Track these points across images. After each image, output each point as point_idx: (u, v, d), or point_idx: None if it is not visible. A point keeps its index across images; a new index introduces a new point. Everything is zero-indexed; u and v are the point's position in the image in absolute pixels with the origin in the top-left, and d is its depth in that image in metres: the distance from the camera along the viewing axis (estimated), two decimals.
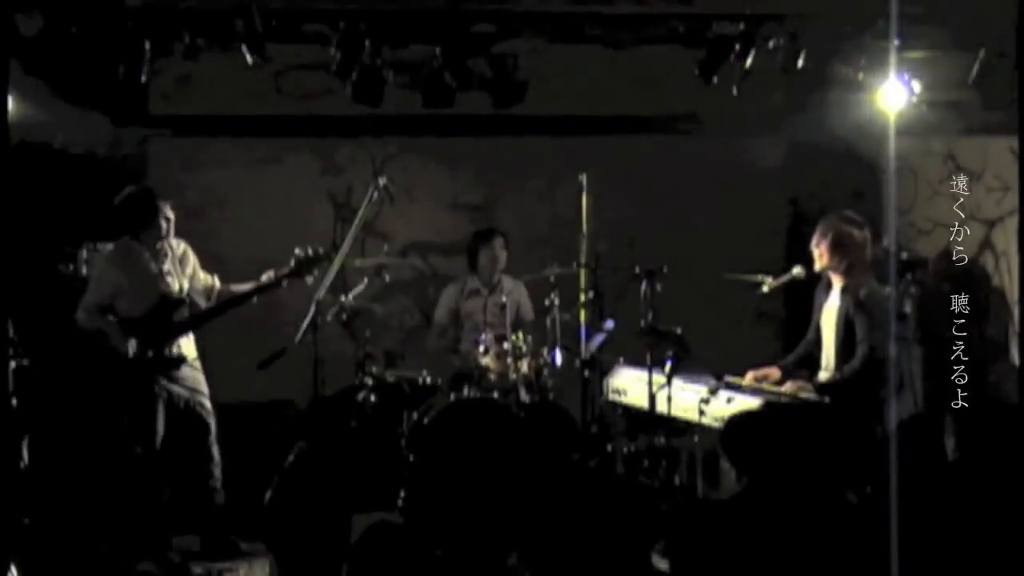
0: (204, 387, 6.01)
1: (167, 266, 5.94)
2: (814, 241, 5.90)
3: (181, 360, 5.91)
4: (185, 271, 6.02)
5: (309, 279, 6.08)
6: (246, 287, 6.06)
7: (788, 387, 5.83)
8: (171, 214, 5.94)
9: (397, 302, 8.04)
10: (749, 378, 6.03)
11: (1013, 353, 6.70)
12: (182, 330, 5.93)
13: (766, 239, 7.75)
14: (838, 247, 5.81)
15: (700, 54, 6.45)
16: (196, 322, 5.99)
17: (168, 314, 5.88)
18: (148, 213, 5.87)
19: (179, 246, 6.06)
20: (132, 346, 5.77)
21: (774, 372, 6.07)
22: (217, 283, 6.15)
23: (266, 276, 6.03)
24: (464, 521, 5.48)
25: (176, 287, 5.93)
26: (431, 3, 6.44)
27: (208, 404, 6.01)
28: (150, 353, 5.81)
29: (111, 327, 5.79)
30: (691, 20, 6.51)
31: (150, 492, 5.90)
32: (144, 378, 5.81)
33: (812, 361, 6.10)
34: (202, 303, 6.05)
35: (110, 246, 6.05)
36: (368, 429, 6.45)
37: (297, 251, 6.03)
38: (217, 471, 5.99)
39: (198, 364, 6.03)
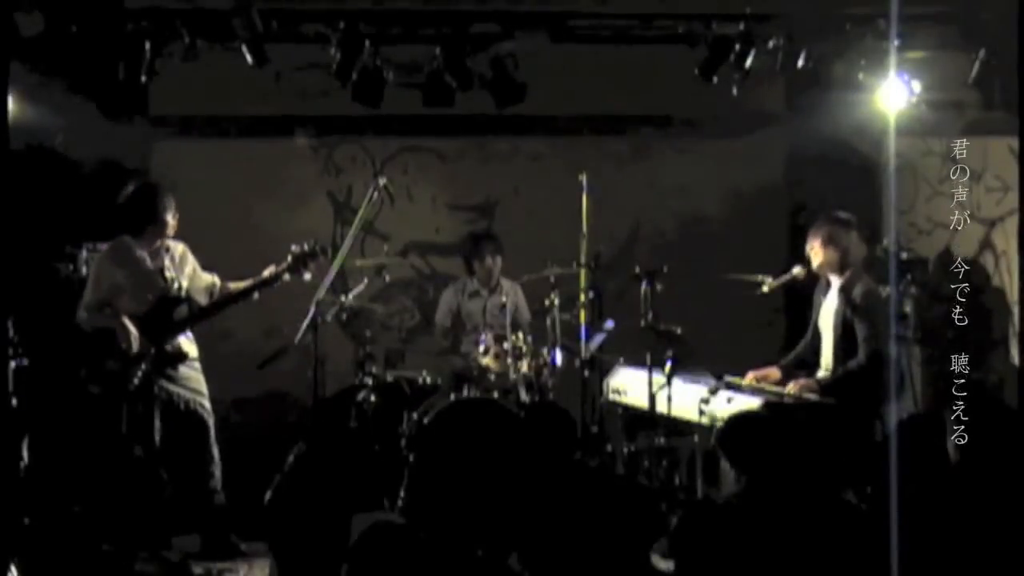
0: (204, 388, 6.03)
1: (166, 264, 5.96)
2: (808, 242, 5.98)
3: (183, 356, 5.93)
4: (184, 271, 6.05)
5: (307, 275, 6.12)
6: (245, 284, 6.10)
7: (792, 387, 5.83)
8: (175, 211, 5.97)
9: (397, 302, 8.04)
10: (749, 378, 6.04)
11: (1013, 353, 6.69)
12: (183, 327, 5.96)
13: (766, 239, 7.75)
14: (830, 245, 5.90)
15: (700, 54, 6.45)
16: (197, 318, 6.02)
17: (169, 312, 5.90)
18: (153, 209, 5.90)
19: (178, 247, 6.08)
20: (136, 343, 5.79)
21: (774, 372, 6.09)
22: (218, 281, 6.18)
23: (267, 272, 6.08)
24: (464, 521, 5.47)
25: (175, 285, 5.95)
26: (431, 3, 6.44)
27: (208, 405, 6.03)
28: (152, 350, 5.83)
29: (118, 323, 5.80)
30: (691, 20, 6.51)
31: (150, 492, 5.91)
32: (144, 377, 5.82)
33: (810, 361, 6.11)
34: (204, 302, 6.08)
35: (107, 245, 6.06)
36: (368, 429, 6.45)
37: (294, 247, 6.10)
38: (217, 471, 6.01)
39: (198, 365, 6.04)
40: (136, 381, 5.80)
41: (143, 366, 5.82)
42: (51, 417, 6.40)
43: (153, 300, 5.89)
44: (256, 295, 6.12)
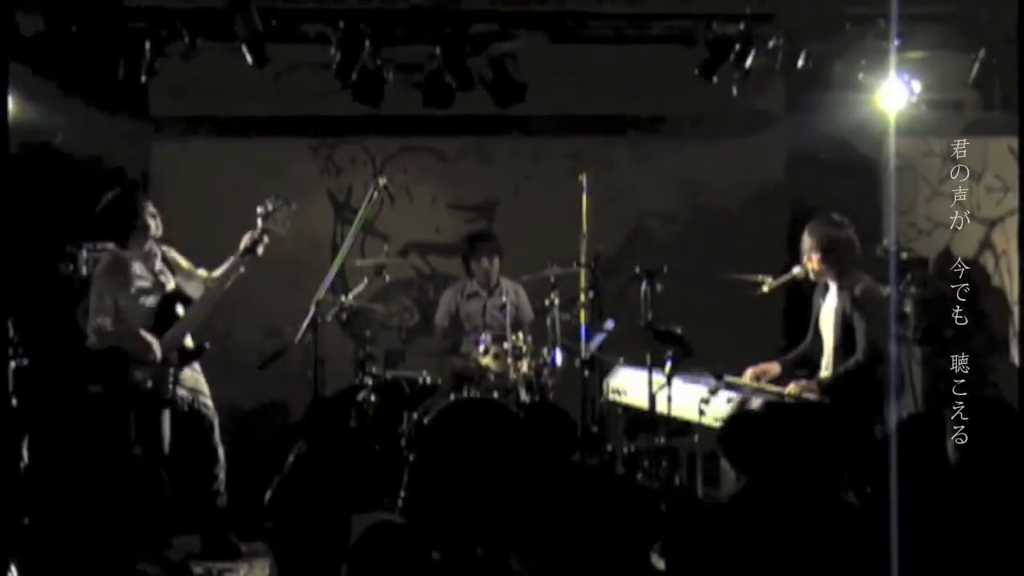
0: (204, 387, 6.02)
1: (158, 266, 5.95)
2: (804, 251, 5.94)
3: (203, 349, 5.93)
4: (177, 273, 6.02)
5: (282, 230, 6.01)
6: (227, 263, 5.99)
7: (792, 388, 5.82)
8: (155, 212, 5.94)
9: (397, 302, 8.04)
10: (748, 374, 6.04)
11: (1013, 353, 6.69)
12: (191, 321, 5.93)
13: (766, 239, 7.75)
14: (828, 252, 5.86)
15: (700, 54, 6.45)
16: (197, 311, 5.97)
17: (172, 311, 5.89)
18: (132, 213, 5.87)
19: (169, 251, 6.07)
20: (159, 350, 5.77)
21: (773, 368, 6.07)
22: (213, 273, 6.17)
23: (244, 242, 5.97)
24: (464, 521, 5.48)
25: (170, 286, 5.94)
26: (431, 3, 6.44)
27: (210, 404, 6.02)
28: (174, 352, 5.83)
29: (136, 338, 5.75)
30: (691, 20, 6.51)
31: (150, 492, 5.90)
32: (175, 380, 5.82)
33: (810, 362, 6.10)
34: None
35: (102, 263, 6.02)
36: (368, 429, 6.45)
37: (259, 209, 6.00)
38: (221, 474, 5.99)
39: (197, 366, 6.03)
40: (171, 387, 5.81)
41: (171, 370, 5.82)
42: (51, 417, 6.39)
43: (155, 305, 5.89)
44: (242, 268, 5.97)
